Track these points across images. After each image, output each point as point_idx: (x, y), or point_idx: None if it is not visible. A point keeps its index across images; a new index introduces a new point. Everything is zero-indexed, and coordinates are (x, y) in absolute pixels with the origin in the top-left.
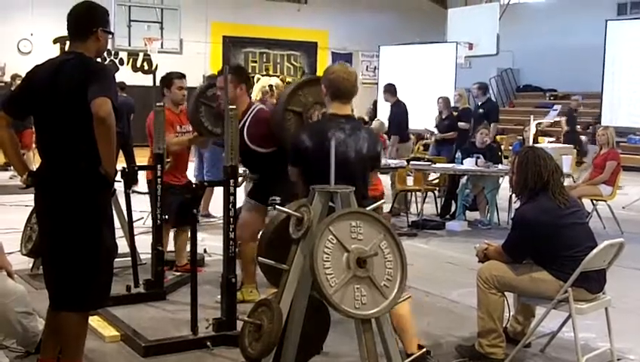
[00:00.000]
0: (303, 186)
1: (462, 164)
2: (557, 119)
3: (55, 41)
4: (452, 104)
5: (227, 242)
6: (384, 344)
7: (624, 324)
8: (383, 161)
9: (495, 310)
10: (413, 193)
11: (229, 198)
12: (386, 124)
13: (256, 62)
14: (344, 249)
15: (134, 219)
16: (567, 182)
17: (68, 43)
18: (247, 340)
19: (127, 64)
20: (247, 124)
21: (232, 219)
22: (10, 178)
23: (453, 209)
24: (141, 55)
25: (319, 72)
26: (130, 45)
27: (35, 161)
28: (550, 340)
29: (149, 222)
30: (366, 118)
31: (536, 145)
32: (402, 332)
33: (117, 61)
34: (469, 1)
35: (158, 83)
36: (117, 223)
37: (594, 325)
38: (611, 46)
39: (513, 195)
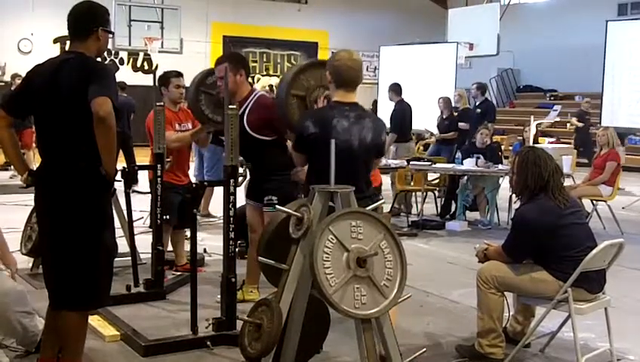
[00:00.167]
0: (309, 173)
1: (462, 164)
2: (557, 119)
3: (55, 41)
4: (452, 104)
5: (227, 242)
6: (384, 343)
7: (624, 324)
8: (383, 161)
9: (495, 310)
10: (414, 193)
11: (229, 198)
12: (388, 123)
13: (256, 62)
14: (344, 248)
15: (134, 218)
16: (567, 182)
17: (68, 43)
18: (247, 340)
19: (128, 64)
20: (247, 110)
21: (231, 219)
22: (11, 177)
23: (453, 209)
24: (141, 55)
25: None
26: (130, 45)
27: (35, 161)
28: (550, 340)
29: (149, 222)
30: None
31: (536, 145)
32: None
33: (117, 61)
34: (470, 1)
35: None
36: (117, 223)
37: (594, 325)
38: (612, 46)
39: (513, 195)
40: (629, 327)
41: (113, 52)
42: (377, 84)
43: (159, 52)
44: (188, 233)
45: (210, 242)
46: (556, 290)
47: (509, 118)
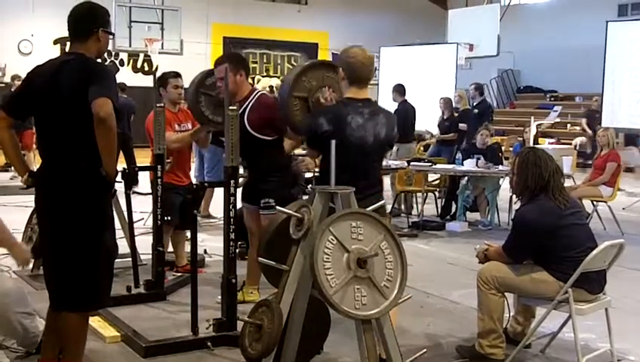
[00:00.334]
0: (322, 170)
1: (462, 165)
2: (557, 120)
3: (56, 42)
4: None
5: (227, 243)
6: (384, 344)
7: (624, 325)
8: (384, 162)
9: (495, 311)
10: (414, 194)
11: (229, 199)
12: None
13: (256, 63)
14: (344, 249)
15: (135, 219)
16: (567, 183)
17: (68, 44)
18: (248, 340)
19: (128, 65)
20: (247, 109)
21: (232, 220)
22: (11, 179)
23: (453, 210)
24: (141, 56)
25: None
26: (130, 46)
27: (35, 162)
28: (550, 341)
29: (150, 223)
30: None
31: (536, 146)
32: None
33: (117, 62)
34: (470, 2)
35: None
36: (117, 224)
37: (594, 326)
38: (612, 47)
39: (513, 196)
40: (630, 328)
41: (113, 53)
42: (377, 84)
43: (159, 53)
44: (188, 234)
45: (211, 243)
46: (557, 291)
47: (510, 118)
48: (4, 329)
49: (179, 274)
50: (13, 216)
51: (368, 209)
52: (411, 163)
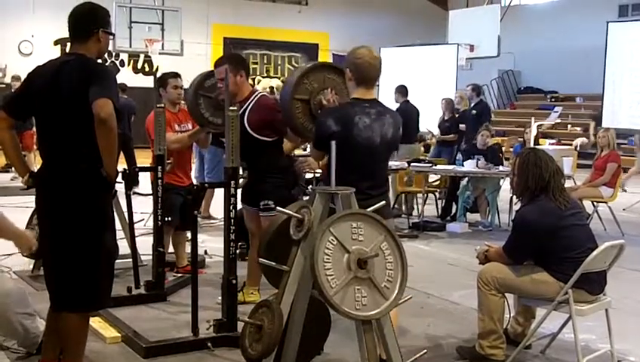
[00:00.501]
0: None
1: (463, 165)
2: (558, 121)
3: (56, 43)
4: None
5: (228, 243)
6: (385, 345)
7: (624, 326)
8: None
9: (495, 311)
10: (414, 195)
11: (229, 200)
12: None
13: (257, 63)
14: (345, 250)
15: (135, 220)
16: (567, 183)
17: (69, 44)
18: (248, 341)
19: (128, 65)
20: (248, 110)
21: (232, 221)
22: (12, 179)
23: (454, 211)
24: (142, 56)
25: None
26: (130, 47)
27: (36, 163)
28: (551, 341)
29: (150, 224)
30: None
31: (537, 147)
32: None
33: (118, 62)
34: (470, 2)
35: None
36: (118, 225)
37: (594, 326)
38: (612, 48)
39: (514, 197)
40: (630, 329)
41: (114, 54)
42: (378, 85)
43: (160, 54)
44: (189, 235)
45: (211, 244)
46: (557, 291)
47: (510, 119)
48: (4, 330)
49: (179, 274)
50: (13, 216)
51: (368, 209)
52: (411, 164)
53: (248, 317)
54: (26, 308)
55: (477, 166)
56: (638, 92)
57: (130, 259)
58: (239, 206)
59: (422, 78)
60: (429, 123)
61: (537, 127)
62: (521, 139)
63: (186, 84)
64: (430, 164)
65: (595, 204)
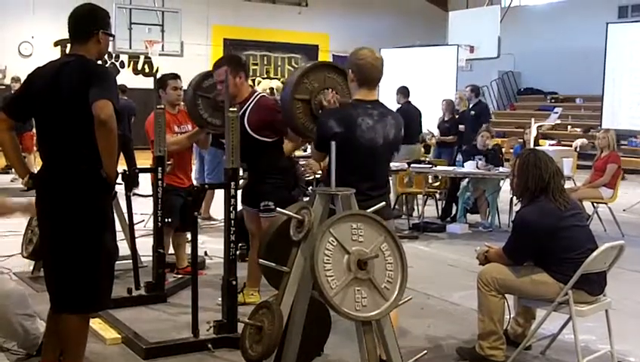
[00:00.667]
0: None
1: (463, 166)
2: (558, 122)
3: (56, 44)
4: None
5: (228, 245)
6: (385, 346)
7: (624, 326)
8: None
9: (495, 312)
10: (415, 196)
11: (229, 201)
12: None
13: (257, 64)
14: (345, 251)
15: (135, 221)
16: (567, 184)
17: (69, 45)
18: (248, 342)
19: (128, 67)
20: (248, 110)
21: (232, 222)
22: (12, 181)
23: (454, 212)
24: (142, 58)
25: None
26: (130, 48)
27: (36, 164)
28: (551, 342)
29: (150, 225)
30: None
31: (537, 148)
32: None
33: (118, 64)
34: (470, 3)
35: None
36: (118, 226)
37: (594, 327)
38: (612, 49)
39: (514, 198)
40: (630, 329)
41: (114, 55)
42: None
43: (160, 55)
44: (189, 236)
45: (211, 245)
46: (557, 292)
47: (510, 120)
48: (4, 331)
49: (179, 276)
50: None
51: (369, 210)
52: (411, 165)
53: (248, 319)
54: (26, 310)
55: (477, 167)
56: (638, 93)
57: (130, 261)
58: (239, 207)
59: (422, 79)
60: (429, 124)
61: (537, 128)
62: (521, 140)
63: (186, 86)
64: (430, 165)
65: (595, 204)
